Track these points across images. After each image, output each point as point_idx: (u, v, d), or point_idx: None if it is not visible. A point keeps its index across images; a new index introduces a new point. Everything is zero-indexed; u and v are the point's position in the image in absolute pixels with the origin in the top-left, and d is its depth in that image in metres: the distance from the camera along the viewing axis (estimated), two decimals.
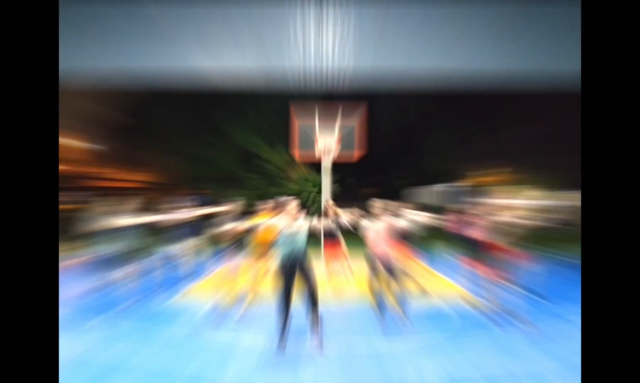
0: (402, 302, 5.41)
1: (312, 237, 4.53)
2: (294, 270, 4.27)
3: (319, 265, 7.37)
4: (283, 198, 4.60)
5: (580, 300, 2.18)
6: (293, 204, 4.47)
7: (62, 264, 9.62)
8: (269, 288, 6.79)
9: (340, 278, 7.52)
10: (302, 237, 4.36)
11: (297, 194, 16.54)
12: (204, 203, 7.57)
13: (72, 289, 6.89)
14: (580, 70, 2.49)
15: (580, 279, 2.23)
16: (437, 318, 5.16)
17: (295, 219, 4.43)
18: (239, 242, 5.37)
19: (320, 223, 4.80)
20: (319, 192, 14.32)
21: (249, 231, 5.38)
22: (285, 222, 4.49)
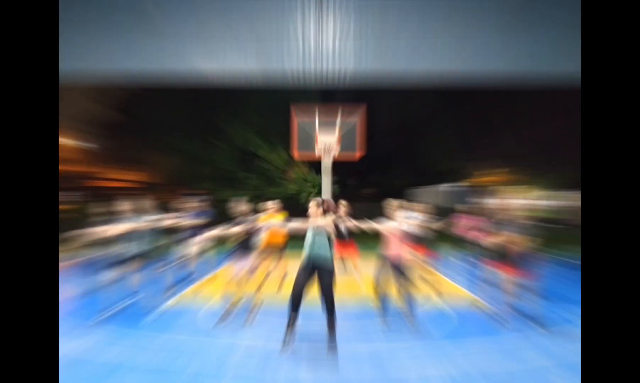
0: (409, 303, 5.31)
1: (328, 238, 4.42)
2: (312, 272, 4.19)
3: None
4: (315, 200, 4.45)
5: (580, 300, 2.16)
6: (314, 205, 4.37)
7: (68, 263, 9.62)
8: (276, 289, 6.86)
9: (350, 279, 7.49)
10: (323, 240, 4.22)
11: (296, 194, 16.48)
12: (203, 204, 7.54)
13: (74, 288, 6.90)
14: (580, 70, 2.46)
15: (580, 279, 2.20)
16: (444, 321, 5.12)
17: (316, 221, 4.31)
18: (245, 242, 5.29)
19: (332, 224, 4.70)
20: (319, 192, 14.26)
21: (255, 232, 5.31)
22: (308, 223, 4.37)
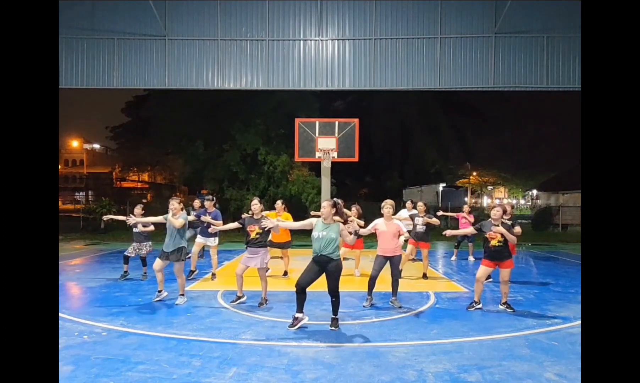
0: (399, 297, 5.37)
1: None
2: (319, 268, 4.33)
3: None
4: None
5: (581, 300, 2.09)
6: (328, 206, 4.36)
7: (79, 260, 9.50)
8: (283, 281, 6.86)
9: (350, 275, 7.41)
10: (332, 237, 4.28)
11: (296, 195, 16.36)
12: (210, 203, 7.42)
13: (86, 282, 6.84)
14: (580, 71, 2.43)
15: (580, 278, 2.14)
16: (436, 314, 5.03)
17: (326, 220, 4.34)
18: (253, 239, 5.20)
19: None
20: (318, 193, 14.16)
21: (263, 229, 5.25)
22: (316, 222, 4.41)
